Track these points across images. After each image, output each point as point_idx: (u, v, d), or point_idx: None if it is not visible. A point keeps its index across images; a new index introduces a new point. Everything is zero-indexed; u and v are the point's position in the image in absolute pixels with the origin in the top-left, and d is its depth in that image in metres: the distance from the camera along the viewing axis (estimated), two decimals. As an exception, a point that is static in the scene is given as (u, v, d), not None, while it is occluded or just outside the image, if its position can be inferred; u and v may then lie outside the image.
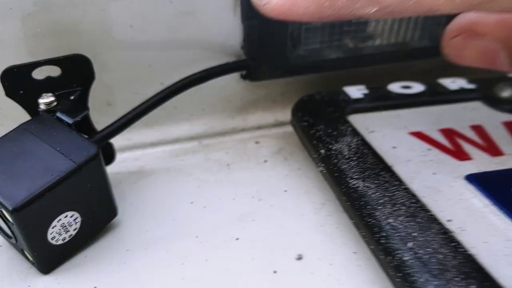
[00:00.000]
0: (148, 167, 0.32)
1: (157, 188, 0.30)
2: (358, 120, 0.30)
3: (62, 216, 0.24)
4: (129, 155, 0.33)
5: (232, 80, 0.33)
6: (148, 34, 0.30)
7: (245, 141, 0.34)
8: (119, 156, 0.31)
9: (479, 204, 0.24)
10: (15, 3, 0.27)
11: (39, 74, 0.28)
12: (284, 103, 0.35)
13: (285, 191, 0.29)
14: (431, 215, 0.23)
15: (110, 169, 0.31)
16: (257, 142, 0.33)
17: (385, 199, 0.24)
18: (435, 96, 0.32)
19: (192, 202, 0.28)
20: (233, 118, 0.35)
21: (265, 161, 0.31)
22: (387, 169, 0.25)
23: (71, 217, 0.25)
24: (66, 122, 0.27)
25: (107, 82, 0.31)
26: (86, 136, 0.27)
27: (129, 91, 0.32)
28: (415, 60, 0.35)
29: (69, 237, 0.25)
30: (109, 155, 0.31)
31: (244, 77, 0.33)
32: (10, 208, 0.22)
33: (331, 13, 0.20)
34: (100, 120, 0.30)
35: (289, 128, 0.33)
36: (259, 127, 0.35)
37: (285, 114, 0.35)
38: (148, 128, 0.33)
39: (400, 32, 0.33)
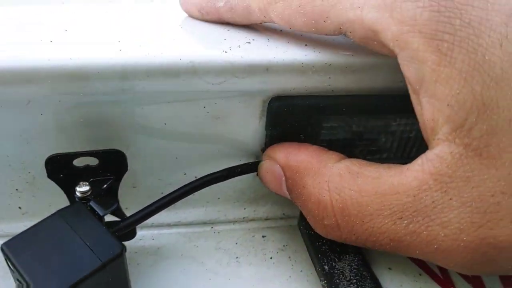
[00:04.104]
0: (163, 249, 0.34)
1: (172, 276, 0.32)
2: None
3: (82, 307, 0.27)
4: (146, 234, 0.35)
5: (248, 175, 0.35)
6: (179, 130, 0.32)
7: (254, 231, 0.37)
8: (137, 233, 0.34)
9: None
10: (65, 97, 0.29)
11: (78, 162, 0.31)
12: (293, 198, 0.38)
13: (288, 295, 0.31)
14: None
15: (129, 246, 0.33)
16: (263, 236, 0.36)
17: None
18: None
19: (204, 297, 0.31)
20: (245, 208, 0.37)
21: (271, 257, 0.34)
22: (382, 295, 0.29)
23: (90, 307, 0.27)
24: (98, 213, 0.29)
25: (134, 168, 0.33)
26: (112, 229, 0.29)
27: (154, 178, 0.34)
28: None
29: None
30: (130, 232, 0.34)
31: (260, 175, 0.36)
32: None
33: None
34: (125, 200, 0.33)
35: (294, 222, 0.36)
36: (267, 219, 0.38)
37: (292, 209, 0.38)
38: (166, 209, 0.35)
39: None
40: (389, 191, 0.26)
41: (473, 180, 0.24)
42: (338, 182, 0.28)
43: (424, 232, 0.25)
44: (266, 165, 0.33)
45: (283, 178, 0.32)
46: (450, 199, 0.24)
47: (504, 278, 0.32)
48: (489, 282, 0.31)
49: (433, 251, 0.26)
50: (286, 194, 0.32)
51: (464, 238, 0.24)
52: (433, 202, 0.25)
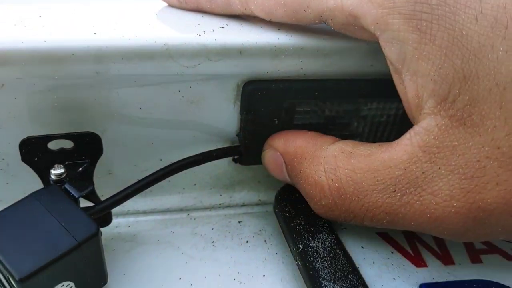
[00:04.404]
0: (140, 236, 0.34)
1: (148, 260, 0.32)
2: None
3: (59, 285, 0.27)
4: (122, 221, 0.35)
5: (224, 161, 0.36)
6: (154, 115, 0.33)
7: (230, 217, 0.37)
8: (113, 221, 0.34)
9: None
10: (39, 80, 0.29)
11: (53, 145, 0.31)
12: (268, 184, 0.38)
13: (263, 276, 0.32)
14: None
15: (105, 233, 0.33)
16: (240, 222, 0.36)
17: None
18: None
19: (180, 279, 0.31)
20: (221, 195, 0.38)
21: (247, 241, 0.35)
22: (355, 271, 0.29)
23: (67, 286, 0.27)
24: (73, 195, 0.29)
25: (110, 154, 0.33)
26: (88, 212, 0.29)
27: (129, 164, 0.35)
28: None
29: (63, 302, 0.27)
30: (106, 218, 0.34)
31: (235, 160, 0.36)
32: (17, 278, 0.25)
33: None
34: (101, 186, 0.33)
35: (270, 208, 0.37)
36: (243, 205, 0.38)
37: (268, 195, 0.38)
38: (142, 197, 0.35)
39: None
40: (381, 166, 0.27)
41: (459, 148, 0.25)
42: (333, 162, 0.29)
43: (417, 202, 0.27)
44: (267, 154, 0.34)
45: (284, 165, 0.33)
46: (439, 168, 0.26)
47: (471, 254, 0.33)
48: (458, 258, 0.32)
49: (427, 220, 0.27)
50: (288, 180, 0.33)
51: (455, 204, 0.26)
52: (423, 173, 0.26)
